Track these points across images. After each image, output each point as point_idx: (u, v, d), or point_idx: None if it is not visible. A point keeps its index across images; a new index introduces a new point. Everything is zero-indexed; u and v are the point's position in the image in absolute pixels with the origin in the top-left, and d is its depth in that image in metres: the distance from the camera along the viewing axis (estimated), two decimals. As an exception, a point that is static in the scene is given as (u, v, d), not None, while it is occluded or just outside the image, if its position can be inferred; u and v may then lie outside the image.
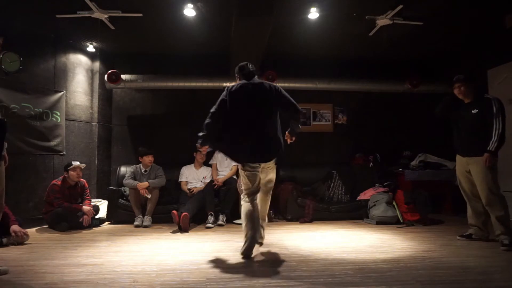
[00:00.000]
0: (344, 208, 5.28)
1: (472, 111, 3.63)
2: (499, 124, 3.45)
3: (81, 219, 4.55)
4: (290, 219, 5.16)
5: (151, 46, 5.74)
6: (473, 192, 3.69)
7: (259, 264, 2.98)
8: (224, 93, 3.29)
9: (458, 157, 3.81)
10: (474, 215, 3.74)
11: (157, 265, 2.92)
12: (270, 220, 5.18)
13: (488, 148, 3.45)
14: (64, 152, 5.28)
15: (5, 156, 2.79)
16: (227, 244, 3.72)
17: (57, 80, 5.28)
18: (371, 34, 4.99)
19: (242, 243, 3.14)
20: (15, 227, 3.67)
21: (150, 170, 5.13)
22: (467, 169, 3.69)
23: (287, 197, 5.25)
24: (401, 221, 4.77)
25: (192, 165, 5.39)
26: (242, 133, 3.19)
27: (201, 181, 5.25)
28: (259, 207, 3.34)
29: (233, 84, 3.35)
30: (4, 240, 3.62)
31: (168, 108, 6.24)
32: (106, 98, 6.03)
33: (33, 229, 4.49)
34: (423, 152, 5.86)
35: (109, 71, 5.51)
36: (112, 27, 4.72)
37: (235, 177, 5.30)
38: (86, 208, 4.61)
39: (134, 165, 5.24)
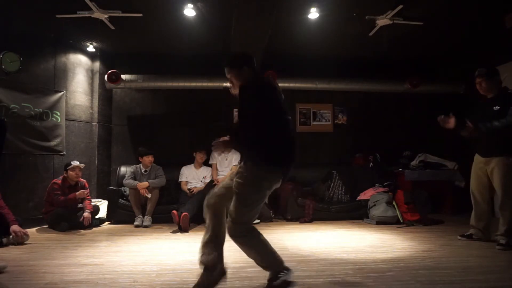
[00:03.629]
0: (344, 208, 5.28)
1: (494, 107, 3.44)
2: (509, 119, 3.27)
3: (81, 219, 4.54)
4: (290, 219, 5.16)
5: (151, 46, 5.73)
6: (482, 194, 3.61)
7: (259, 264, 2.98)
8: (270, 90, 2.37)
9: (476, 156, 3.66)
10: (477, 218, 3.69)
11: (157, 265, 2.92)
12: (270, 220, 5.19)
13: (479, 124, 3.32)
14: (64, 152, 5.28)
15: None
16: (227, 244, 3.70)
17: (57, 80, 5.28)
18: (371, 34, 4.99)
19: None
20: (15, 227, 3.67)
21: (150, 170, 5.13)
22: (484, 170, 3.55)
23: (287, 197, 5.25)
24: (401, 221, 4.77)
25: (192, 165, 5.39)
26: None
27: (201, 181, 5.25)
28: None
29: (263, 79, 2.48)
30: (4, 240, 3.63)
31: (168, 108, 6.24)
32: (106, 98, 6.03)
33: (33, 229, 4.49)
34: (423, 152, 5.86)
35: (109, 71, 5.51)
36: (112, 27, 4.72)
37: (235, 177, 5.29)
38: (80, 194, 4.57)
39: (134, 165, 5.24)
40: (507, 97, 3.46)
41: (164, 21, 4.72)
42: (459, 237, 3.79)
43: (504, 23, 4.62)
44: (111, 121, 6.13)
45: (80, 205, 4.80)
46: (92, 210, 4.70)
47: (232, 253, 3.29)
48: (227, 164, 5.40)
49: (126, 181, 5.00)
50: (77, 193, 4.57)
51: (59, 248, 3.57)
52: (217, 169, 5.39)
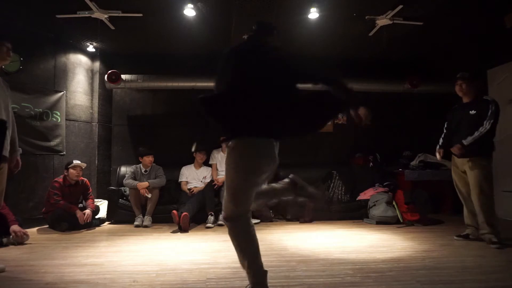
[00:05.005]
0: (344, 208, 5.28)
1: (470, 112, 3.63)
2: (487, 126, 3.48)
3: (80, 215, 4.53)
4: (290, 219, 5.16)
5: (151, 46, 5.73)
6: (468, 192, 3.70)
7: (259, 264, 2.98)
8: None
9: (453, 157, 3.82)
10: (470, 215, 3.74)
11: (157, 265, 2.92)
12: (270, 220, 5.19)
13: (462, 141, 3.54)
14: (64, 152, 5.28)
15: (18, 160, 2.87)
16: (227, 244, 3.70)
17: (57, 80, 5.28)
18: (371, 34, 4.99)
19: None
20: (15, 227, 3.67)
21: (150, 170, 5.13)
22: (462, 170, 3.70)
23: (287, 197, 5.24)
24: (401, 221, 4.78)
25: (192, 165, 5.39)
26: None
27: (201, 181, 5.26)
28: None
29: None
30: (4, 240, 3.63)
31: (168, 108, 6.24)
32: (106, 98, 6.03)
33: (34, 229, 4.49)
34: (423, 152, 5.85)
35: (109, 71, 5.51)
36: (112, 27, 4.72)
37: (235, 177, 5.29)
38: (80, 213, 4.46)
39: (134, 165, 5.24)
40: (483, 102, 3.63)
41: (164, 21, 4.71)
42: (455, 237, 3.81)
43: (504, 23, 4.62)
44: (111, 121, 6.12)
45: (81, 204, 4.81)
46: (94, 209, 4.71)
47: (233, 253, 3.30)
48: (227, 164, 5.40)
49: (126, 181, 5.00)
50: (78, 215, 4.43)
51: (59, 248, 3.57)
52: (217, 169, 5.39)
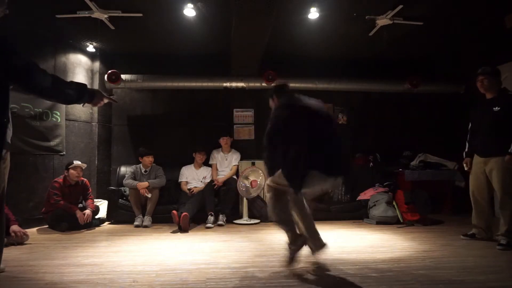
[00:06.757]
0: (344, 208, 5.28)
1: (494, 108, 3.47)
2: None
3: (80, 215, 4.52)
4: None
5: (151, 46, 5.73)
6: (481, 194, 3.63)
7: (259, 264, 2.98)
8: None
9: (475, 156, 3.68)
10: (478, 218, 3.71)
11: (157, 265, 2.92)
12: (270, 220, 5.18)
13: (509, 150, 3.32)
14: (64, 152, 5.28)
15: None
16: (227, 244, 3.72)
17: (57, 80, 5.27)
18: (371, 34, 4.99)
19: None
20: (15, 227, 3.67)
21: (150, 170, 5.13)
22: (483, 170, 3.57)
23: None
24: (401, 221, 4.77)
25: (192, 165, 5.39)
26: None
27: (201, 181, 5.26)
28: None
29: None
30: (4, 240, 3.62)
31: (168, 108, 6.24)
32: (106, 98, 6.01)
33: (33, 229, 4.49)
34: (423, 152, 5.85)
35: (109, 71, 5.51)
36: (112, 27, 4.72)
37: (235, 177, 5.30)
38: (80, 214, 4.47)
39: (134, 165, 5.24)
40: (507, 98, 3.49)
41: (164, 21, 4.71)
42: (462, 237, 3.79)
43: (504, 23, 4.62)
44: (111, 121, 6.12)
45: (81, 204, 4.81)
46: (94, 209, 4.71)
47: (233, 253, 3.31)
48: (227, 164, 5.40)
49: (126, 181, 5.00)
50: (78, 215, 4.44)
51: (59, 248, 3.57)
52: (217, 169, 5.39)
